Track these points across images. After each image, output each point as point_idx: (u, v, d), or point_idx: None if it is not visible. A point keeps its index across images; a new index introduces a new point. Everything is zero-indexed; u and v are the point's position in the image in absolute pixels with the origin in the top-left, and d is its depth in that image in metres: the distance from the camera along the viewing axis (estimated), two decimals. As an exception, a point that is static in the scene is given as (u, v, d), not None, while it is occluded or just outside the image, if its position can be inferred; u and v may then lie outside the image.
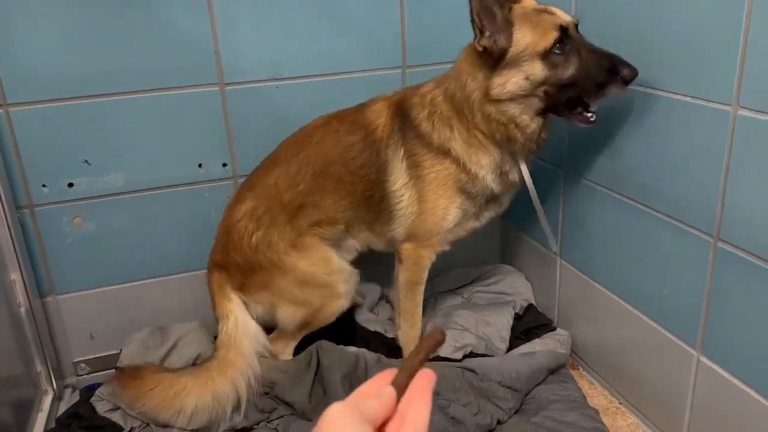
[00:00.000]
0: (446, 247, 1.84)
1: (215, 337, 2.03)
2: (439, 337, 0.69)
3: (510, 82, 1.55)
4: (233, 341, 1.82)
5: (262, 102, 1.98)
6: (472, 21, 1.53)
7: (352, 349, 1.89)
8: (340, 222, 1.85)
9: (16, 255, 1.79)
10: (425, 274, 1.86)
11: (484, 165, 1.70)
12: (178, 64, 1.87)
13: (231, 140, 2.00)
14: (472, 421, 1.65)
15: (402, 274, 1.86)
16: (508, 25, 1.53)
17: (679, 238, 1.51)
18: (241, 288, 1.87)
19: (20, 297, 1.83)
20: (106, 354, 2.05)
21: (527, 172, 1.73)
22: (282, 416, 1.75)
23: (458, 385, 1.71)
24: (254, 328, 1.86)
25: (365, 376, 1.80)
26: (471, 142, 1.68)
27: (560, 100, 1.57)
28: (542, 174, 2.02)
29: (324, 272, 1.84)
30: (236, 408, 1.73)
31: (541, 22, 1.53)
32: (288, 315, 1.87)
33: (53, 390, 1.95)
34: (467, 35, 2.10)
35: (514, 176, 1.73)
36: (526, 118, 1.60)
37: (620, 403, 1.85)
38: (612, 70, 1.49)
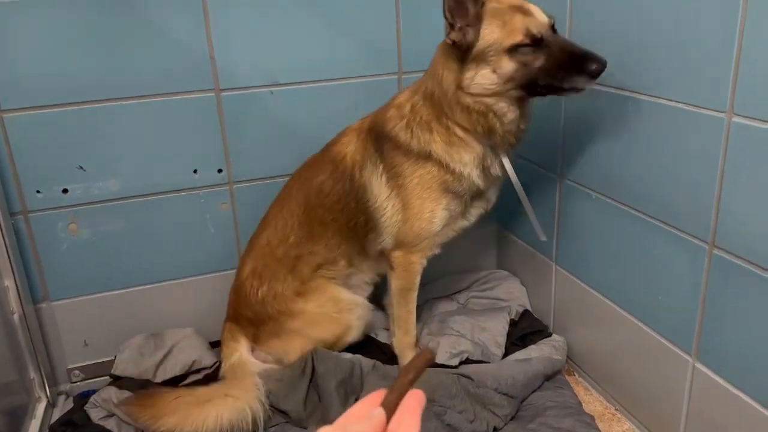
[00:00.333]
0: (436, 251, 1.84)
1: (210, 343, 2.04)
2: (429, 356, 0.69)
3: (479, 74, 1.57)
4: (239, 369, 1.85)
5: (257, 108, 1.98)
6: (444, 14, 1.55)
7: (348, 355, 1.89)
8: (340, 259, 1.89)
9: (10, 261, 1.78)
10: (417, 280, 1.87)
11: (467, 162, 1.70)
12: (174, 70, 1.87)
13: (226, 146, 2.00)
14: (468, 428, 1.65)
15: (394, 282, 1.87)
16: (478, 20, 1.55)
17: (675, 245, 1.52)
18: (254, 339, 1.92)
19: (13, 303, 1.82)
20: (100, 361, 2.04)
21: (510, 165, 1.73)
22: (277, 424, 1.74)
23: (454, 391, 1.71)
24: (258, 363, 1.90)
25: (361, 383, 1.80)
26: (451, 141, 1.69)
27: (534, 90, 1.58)
28: (537, 180, 2.02)
29: (334, 312, 1.88)
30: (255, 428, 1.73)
31: (512, 21, 1.54)
32: (299, 350, 1.88)
33: (47, 397, 1.93)
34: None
35: (496, 170, 1.74)
36: (504, 107, 1.61)
37: (616, 410, 1.85)
38: (580, 65, 1.50)
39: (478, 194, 1.78)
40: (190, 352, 1.97)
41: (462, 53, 1.58)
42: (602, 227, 1.77)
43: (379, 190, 1.77)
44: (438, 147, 1.70)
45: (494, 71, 1.56)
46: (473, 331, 1.97)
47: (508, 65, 1.54)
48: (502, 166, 1.74)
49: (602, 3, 1.62)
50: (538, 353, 1.92)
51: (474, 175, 1.72)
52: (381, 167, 1.77)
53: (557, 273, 2.03)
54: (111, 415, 1.78)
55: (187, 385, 1.87)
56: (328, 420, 1.66)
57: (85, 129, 1.84)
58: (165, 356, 1.94)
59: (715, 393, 1.46)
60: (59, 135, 1.82)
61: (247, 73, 1.94)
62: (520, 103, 1.62)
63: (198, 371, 1.95)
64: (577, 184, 1.84)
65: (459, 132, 1.67)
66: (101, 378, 2.02)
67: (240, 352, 1.89)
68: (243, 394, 1.73)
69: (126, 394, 1.79)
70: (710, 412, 1.50)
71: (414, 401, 0.65)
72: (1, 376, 1.75)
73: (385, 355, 1.97)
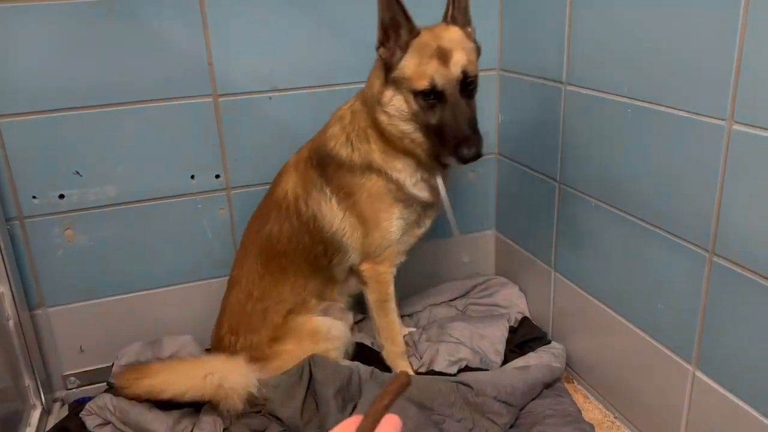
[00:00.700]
0: (402, 258, 1.84)
1: (207, 350, 2.02)
2: (405, 380, 0.67)
3: (395, 98, 1.61)
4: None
5: (255, 113, 1.98)
6: (378, 27, 1.57)
7: (346, 362, 1.87)
8: (310, 299, 1.88)
9: (5, 267, 1.77)
10: (390, 290, 1.86)
11: (401, 169, 1.70)
12: (172, 75, 1.86)
13: (224, 152, 1.99)
14: (466, 437, 1.64)
15: (370, 296, 1.87)
16: (405, 48, 1.57)
17: (674, 252, 1.51)
18: None
19: (8, 310, 1.80)
20: (96, 367, 2.03)
21: (442, 185, 1.71)
22: (274, 432, 1.73)
23: (453, 400, 1.70)
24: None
25: (359, 391, 1.79)
26: (386, 149, 1.69)
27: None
28: (536, 186, 2.02)
29: (312, 344, 1.85)
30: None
31: (427, 66, 1.55)
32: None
33: (42, 404, 1.92)
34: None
35: (435, 182, 1.73)
36: (420, 136, 1.63)
37: (615, 418, 1.84)
38: (456, 145, 1.54)
39: (429, 204, 1.77)
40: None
41: (386, 71, 1.60)
42: (601, 234, 1.77)
43: (332, 214, 1.77)
44: (377, 156, 1.70)
45: (406, 102, 1.59)
46: (472, 338, 1.96)
47: (413, 105, 1.58)
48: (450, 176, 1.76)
49: (601, 11, 1.62)
50: (537, 361, 1.91)
51: (408, 184, 1.71)
52: (328, 191, 1.77)
53: (556, 280, 2.02)
54: (107, 422, 1.76)
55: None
56: (325, 428, 1.65)
57: (81, 134, 1.83)
58: (163, 364, 1.92)
59: (715, 402, 1.45)
60: (56, 140, 1.81)
61: (246, 78, 1.94)
62: None
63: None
64: (577, 191, 1.84)
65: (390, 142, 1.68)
66: (97, 385, 2.01)
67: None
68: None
69: (122, 402, 1.77)
70: (710, 421, 1.49)
71: (389, 427, 0.63)
72: (-5, 383, 1.73)
73: (383, 363, 1.96)
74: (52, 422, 1.88)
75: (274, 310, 1.86)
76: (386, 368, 1.92)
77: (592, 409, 1.88)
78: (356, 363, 1.88)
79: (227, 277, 2.00)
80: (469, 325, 2.03)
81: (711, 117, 1.34)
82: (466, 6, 1.64)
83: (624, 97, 1.58)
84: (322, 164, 1.77)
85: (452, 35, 1.59)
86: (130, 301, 2.02)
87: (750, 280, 1.32)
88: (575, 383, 2.01)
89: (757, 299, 1.32)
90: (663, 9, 1.42)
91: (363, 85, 1.76)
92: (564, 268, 1.98)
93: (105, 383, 1.93)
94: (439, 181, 1.71)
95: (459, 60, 1.55)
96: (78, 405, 1.90)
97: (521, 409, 1.79)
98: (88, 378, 2.04)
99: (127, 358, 1.94)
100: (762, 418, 1.34)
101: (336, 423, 0.65)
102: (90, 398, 1.88)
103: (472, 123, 1.57)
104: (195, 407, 1.77)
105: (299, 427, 1.73)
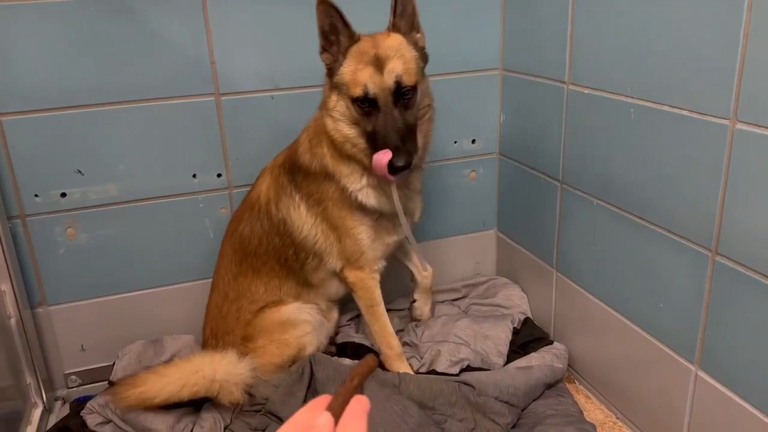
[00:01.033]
0: (381, 264, 1.84)
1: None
2: (372, 363, 0.71)
3: (339, 104, 1.61)
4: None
5: (257, 112, 1.98)
6: (319, 35, 1.57)
7: (347, 361, 1.87)
8: (288, 298, 1.88)
9: (7, 265, 1.77)
10: (376, 294, 1.86)
11: (347, 174, 1.70)
12: (174, 74, 1.86)
13: (226, 151, 1.99)
14: (468, 437, 1.63)
15: (358, 302, 1.88)
16: (345, 54, 1.58)
17: (677, 252, 1.50)
18: None
19: (10, 308, 1.80)
20: (97, 366, 2.03)
21: (396, 195, 1.66)
22: (275, 432, 1.73)
23: (455, 400, 1.69)
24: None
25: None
26: (334, 154, 1.69)
27: None
28: (538, 186, 2.02)
29: (283, 337, 1.84)
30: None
31: (362, 71, 1.55)
32: (266, 362, 1.84)
33: (43, 402, 1.91)
34: (462, 46, 2.11)
35: (390, 190, 1.67)
36: (362, 142, 1.62)
37: (617, 418, 1.84)
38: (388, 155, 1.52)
39: (380, 211, 1.75)
40: (189, 357, 1.95)
41: (330, 76, 1.62)
42: (603, 234, 1.76)
43: (301, 220, 1.78)
44: (328, 160, 1.70)
45: (347, 108, 1.60)
46: (476, 338, 1.96)
47: (353, 112, 1.59)
48: (417, 180, 1.77)
49: (604, 10, 1.62)
50: (539, 361, 1.90)
51: (353, 189, 1.70)
52: (297, 198, 1.78)
53: (558, 280, 2.02)
54: (108, 421, 1.76)
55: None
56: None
57: (84, 133, 1.83)
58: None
59: (717, 402, 1.45)
60: (58, 139, 1.81)
61: (248, 77, 1.94)
62: None
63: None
64: (579, 190, 1.84)
65: None
66: (98, 383, 2.01)
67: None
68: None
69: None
70: (712, 421, 1.49)
71: (359, 407, 0.65)
72: (-3, 382, 1.73)
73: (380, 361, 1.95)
74: (53, 421, 1.88)
75: (247, 309, 1.87)
76: (387, 369, 1.92)
77: (593, 410, 1.88)
78: (357, 362, 1.87)
79: (228, 277, 1.99)
80: (473, 324, 2.02)
81: (714, 116, 1.34)
82: (412, 12, 1.62)
83: (626, 96, 1.58)
84: (293, 171, 1.79)
85: (391, 43, 1.58)
86: (132, 299, 2.02)
87: (753, 280, 1.32)
88: (576, 383, 2.00)
89: (759, 299, 1.31)
90: (666, 8, 1.42)
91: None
92: (566, 268, 1.97)
93: (106, 382, 1.93)
94: (394, 190, 1.65)
95: (394, 68, 1.55)
96: (79, 403, 1.90)
97: (523, 410, 1.78)
98: (89, 376, 2.04)
99: (128, 357, 1.94)
100: (764, 418, 1.34)
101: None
102: (91, 397, 1.89)
103: (403, 133, 1.55)
104: (196, 406, 1.77)
105: (300, 426, 1.72)
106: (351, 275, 1.83)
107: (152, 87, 1.85)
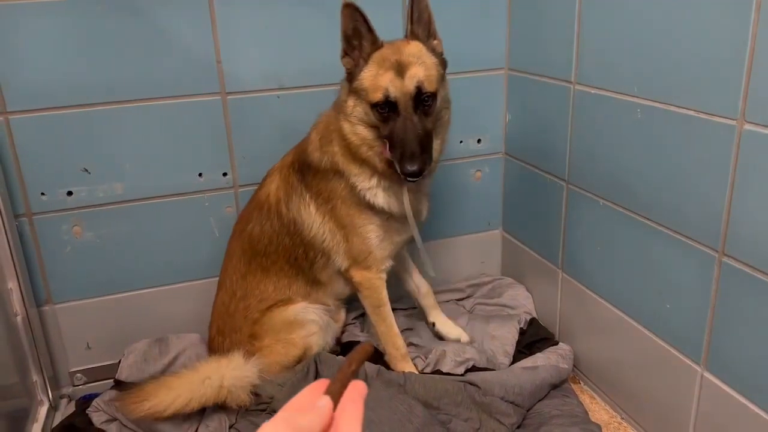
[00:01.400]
0: (389, 264, 1.84)
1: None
2: (369, 349, 0.73)
3: (357, 108, 1.62)
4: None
5: (264, 112, 1.98)
6: (341, 37, 1.58)
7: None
8: (296, 297, 1.88)
9: (14, 263, 1.77)
10: (383, 295, 1.86)
11: (357, 174, 1.70)
12: (180, 73, 1.86)
13: (231, 150, 1.99)
14: (473, 436, 1.63)
15: (364, 301, 1.88)
16: (366, 59, 1.58)
17: (684, 253, 1.50)
18: None
19: (17, 306, 1.81)
20: (103, 364, 2.03)
21: (407, 200, 1.69)
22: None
23: (460, 399, 1.69)
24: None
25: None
26: (345, 153, 1.69)
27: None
28: (544, 186, 2.01)
29: (289, 336, 1.85)
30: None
31: (382, 76, 1.56)
32: (272, 361, 1.85)
33: (49, 400, 1.92)
34: (468, 45, 2.11)
35: (401, 193, 1.69)
36: (379, 144, 1.62)
37: (622, 419, 1.83)
38: (400, 161, 1.54)
39: (390, 213, 1.75)
40: (196, 360, 1.94)
41: (350, 81, 1.62)
42: (609, 234, 1.76)
43: (311, 219, 1.79)
44: (339, 158, 1.70)
45: (365, 113, 1.60)
46: (483, 338, 1.96)
47: (372, 116, 1.59)
48: (428, 183, 1.77)
49: (611, 10, 1.61)
50: (545, 361, 1.90)
51: (363, 188, 1.70)
52: (307, 197, 1.78)
53: (563, 280, 2.01)
54: (113, 419, 1.77)
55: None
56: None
57: (90, 131, 1.84)
58: (170, 363, 1.93)
59: (723, 403, 1.45)
60: (64, 137, 1.82)
61: (254, 76, 1.94)
62: None
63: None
64: (585, 190, 1.83)
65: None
66: (104, 381, 2.01)
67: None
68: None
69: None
70: (718, 422, 1.48)
71: (356, 392, 0.67)
72: (3, 379, 1.74)
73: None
74: (59, 418, 1.89)
75: (255, 308, 1.87)
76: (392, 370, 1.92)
77: (598, 410, 1.88)
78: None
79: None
80: (480, 324, 2.02)
81: (722, 117, 1.33)
82: (428, 19, 1.63)
83: (633, 96, 1.57)
84: (303, 170, 1.79)
85: (412, 50, 1.59)
86: (137, 298, 2.02)
87: (760, 281, 1.31)
88: (581, 384, 2.00)
89: (766, 300, 1.31)
90: (673, 7, 1.42)
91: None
92: (571, 268, 1.97)
93: (112, 380, 1.93)
94: (405, 194, 1.68)
95: (415, 74, 1.55)
96: (85, 401, 1.91)
97: (528, 410, 1.78)
98: (94, 374, 2.04)
99: (134, 355, 1.94)
100: (771, 420, 1.34)
101: None
102: (97, 394, 1.90)
103: (422, 139, 1.55)
104: (201, 404, 1.77)
105: (305, 425, 1.72)
106: (357, 275, 1.83)
107: (159, 86, 1.86)
